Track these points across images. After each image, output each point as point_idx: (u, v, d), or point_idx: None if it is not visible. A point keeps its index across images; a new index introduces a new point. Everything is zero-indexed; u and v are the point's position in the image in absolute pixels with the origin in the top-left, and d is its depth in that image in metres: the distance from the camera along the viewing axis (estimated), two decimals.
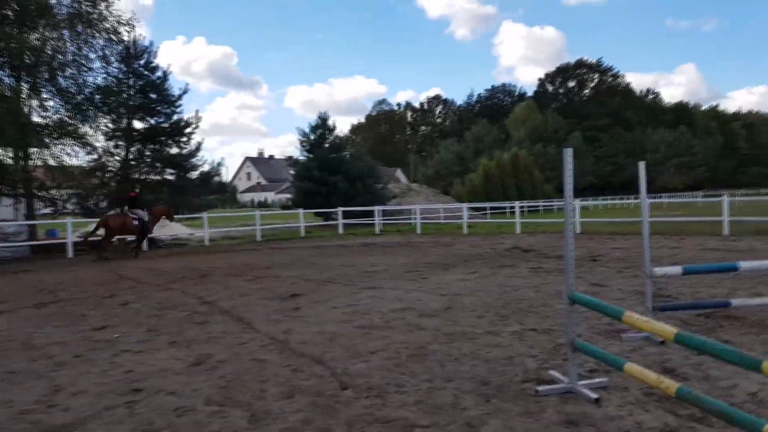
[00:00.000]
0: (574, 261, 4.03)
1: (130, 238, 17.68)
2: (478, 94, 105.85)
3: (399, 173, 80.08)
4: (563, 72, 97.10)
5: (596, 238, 16.73)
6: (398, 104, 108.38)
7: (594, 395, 3.85)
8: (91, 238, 16.93)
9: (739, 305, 5.71)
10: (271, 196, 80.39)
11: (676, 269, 5.25)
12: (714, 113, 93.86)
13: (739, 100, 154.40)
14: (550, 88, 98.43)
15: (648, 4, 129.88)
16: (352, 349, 5.38)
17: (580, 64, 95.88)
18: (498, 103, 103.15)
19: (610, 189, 77.71)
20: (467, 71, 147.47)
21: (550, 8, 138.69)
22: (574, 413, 3.65)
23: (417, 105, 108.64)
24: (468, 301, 7.68)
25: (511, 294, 8.09)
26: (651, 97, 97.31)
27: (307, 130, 34.69)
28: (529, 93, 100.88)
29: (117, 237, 17.31)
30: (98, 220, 17.14)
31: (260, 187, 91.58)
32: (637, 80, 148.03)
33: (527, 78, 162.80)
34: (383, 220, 26.49)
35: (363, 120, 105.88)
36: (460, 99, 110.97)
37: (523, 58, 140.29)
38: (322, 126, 34.62)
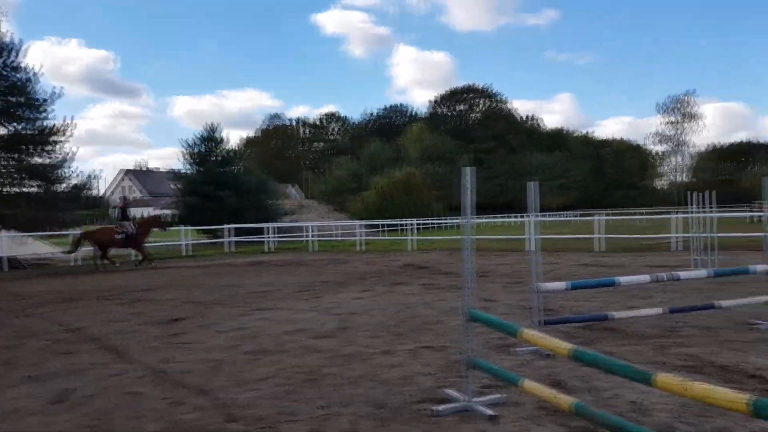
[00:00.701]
0: (473, 277, 4.01)
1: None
2: (373, 113, 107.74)
3: (291, 189, 79.12)
4: (454, 96, 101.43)
5: (485, 255, 17.36)
6: (290, 120, 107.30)
7: (490, 412, 3.82)
8: (73, 254, 17.86)
9: (616, 318, 6.05)
10: (152, 212, 75.96)
11: (563, 285, 5.45)
12: (587, 139, 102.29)
13: (608, 128, 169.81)
14: (441, 110, 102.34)
15: (532, 36, 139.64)
16: (239, 376, 5.02)
17: (469, 88, 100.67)
18: (392, 123, 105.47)
19: (496, 208, 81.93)
20: (363, 90, 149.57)
21: (442, 34, 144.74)
22: None
23: (312, 121, 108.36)
24: (363, 320, 7.54)
25: (406, 311, 8.06)
26: (532, 122, 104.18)
27: (192, 141, 33.19)
28: (422, 114, 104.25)
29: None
30: (79, 233, 17.87)
31: (141, 201, 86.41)
32: (521, 106, 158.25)
33: (420, 99, 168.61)
34: (275, 237, 25.83)
35: (253, 134, 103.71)
36: (355, 117, 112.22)
37: (416, 80, 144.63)
38: (211, 138, 33.29)
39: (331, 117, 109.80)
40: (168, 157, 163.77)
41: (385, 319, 7.55)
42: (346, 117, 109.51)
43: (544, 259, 15.24)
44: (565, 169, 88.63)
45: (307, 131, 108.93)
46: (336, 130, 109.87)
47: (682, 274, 6.35)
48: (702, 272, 6.46)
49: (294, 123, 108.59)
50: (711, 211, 13.46)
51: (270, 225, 25.15)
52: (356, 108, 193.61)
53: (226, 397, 4.44)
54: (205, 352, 5.97)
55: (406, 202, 55.31)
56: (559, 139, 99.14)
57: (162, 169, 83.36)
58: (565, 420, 3.70)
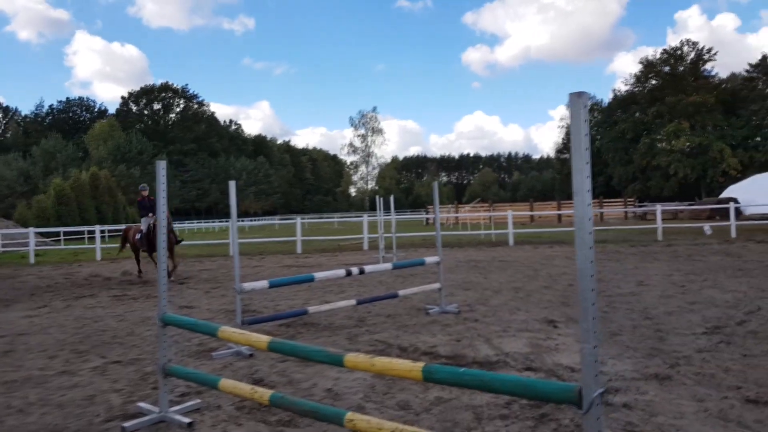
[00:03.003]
0: (165, 281, 3.73)
1: None
2: (50, 106, 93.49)
3: None
4: (148, 93, 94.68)
5: (184, 261, 16.58)
6: None
7: (187, 420, 3.60)
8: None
9: (313, 312, 6.40)
10: None
11: (263, 283, 5.51)
12: (287, 147, 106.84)
13: (306, 138, 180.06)
14: (134, 107, 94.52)
15: (227, 40, 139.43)
16: None
17: (165, 87, 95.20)
18: (74, 117, 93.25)
19: (196, 213, 79.28)
20: (35, 78, 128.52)
21: (129, 26, 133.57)
22: None
23: None
24: (36, 340, 6.40)
25: (91, 326, 7.13)
26: (234, 127, 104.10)
27: None
28: (111, 110, 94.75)
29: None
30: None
31: None
32: (220, 110, 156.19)
33: (108, 94, 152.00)
34: None
35: None
36: (26, 108, 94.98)
37: (101, 73, 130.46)
38: None
39: None
40: None
41: (64, 336, 6.54)
42: (14, 108, 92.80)
43: (248, 262, 15.32)
44: (266, 175, 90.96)
45: None
46: (1, 122, 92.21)
47: (369, 267, 7.07)
48: (387, 265, 7.27)
49: None
50: (393, 215, 15.47)
51: None
52: (28, 99, 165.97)
53: None
54: None
55: (92, 206, 49.41)
56: (261, 145, 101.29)
57: None
58: (265, 416, 3.72)
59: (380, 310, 7.52)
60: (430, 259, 7.46)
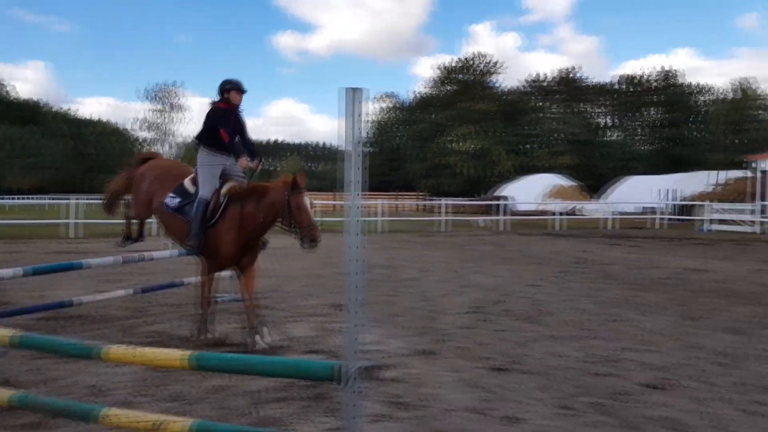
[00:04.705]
0: None
1: None
2: None
3: None
4: None
5: None
6: None
7: None
8: None
9: (85, 302, 5.78)
10: None
11: (15, 270, 4.81)
12: (67, 117, 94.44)
13: (90, 107, 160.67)
14: None
15: None
16: None
17: None
18: None
19: None
20: None
21: None
22: None
23: None
24: None
25: None
26: (1, 87, 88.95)
27: None
28: None
29: None
30: None
31: None
32: None
33: None
34: None
35: None
36: None
37: None
38: None
39: None
40: None
41: None
42: None
43: (5, 248, 13.27)
44: (40, 147, 79.66)
45: None
46: None
47: (156, 254, 6.61)
48: (174, 252, 6.85)
49: None
50: None
51: None
52: None
53: None
54: None
55: None
56: (33, 112, 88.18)
57: None
58: (5, 420, 3.26)
59: (164, 299, 7.08)
60: None
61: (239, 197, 4.91)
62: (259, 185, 5.00)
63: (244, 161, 5.03)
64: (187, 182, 5.19)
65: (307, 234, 4.58)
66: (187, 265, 9.88)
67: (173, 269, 9.55)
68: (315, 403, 3.56)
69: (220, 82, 5.19)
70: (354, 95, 2.27)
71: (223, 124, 5.03)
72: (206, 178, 5.02)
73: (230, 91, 5.16)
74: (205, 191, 4.95)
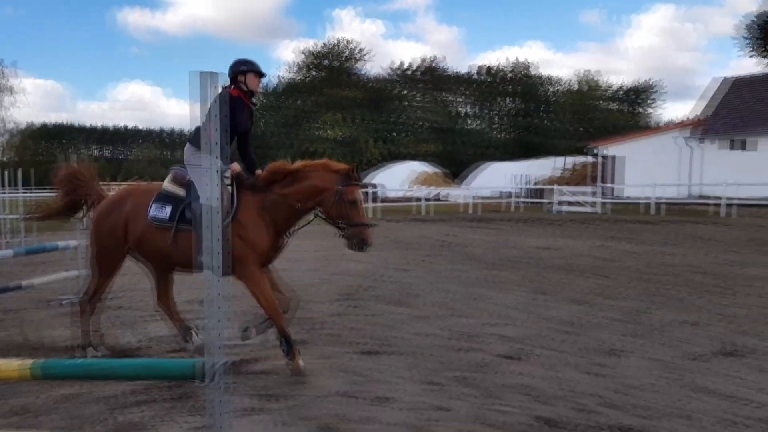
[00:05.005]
0: None
1: None
2: None
3: None
4: None
5: None
6: None
7: None
8: None
9: None
10: None
11: None
12: None
13: None
14: None
15: None
16: None
17: None
18: None
19: None
20: None
21: None
22: None
23: None
24: None
25: None
26: None
27: None
28: None
29: None
30: None
31: None
32: None
33: None
34: None
35: None
36: None
37: None
38: None
39: None
40: None
41: None
42: None
43: None
44: None
45: None
46: None
47: None
48: (8, 252, 6.12)
49: None
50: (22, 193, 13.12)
51: None
52: None
53: None
54: None
55: None
56: None
57: None
58: None
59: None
60: (66, 243, 6.58)
61: (250, 182, 4.15)
62: (287, 166, 4.20)
63: (237, 166, 4.17)
64: (167, 186, 4.26)
65: (359, 235, 3.98)
66: (26, 266, 8.90)
67: (9, 272, 8.54)
68: (179, 403, 3.39)
69: (231, 62, 4.30)
70: (209, 80, 2.17)
71: (236, 116, 4.07)
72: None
73: (247, 73, 4.28)
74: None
